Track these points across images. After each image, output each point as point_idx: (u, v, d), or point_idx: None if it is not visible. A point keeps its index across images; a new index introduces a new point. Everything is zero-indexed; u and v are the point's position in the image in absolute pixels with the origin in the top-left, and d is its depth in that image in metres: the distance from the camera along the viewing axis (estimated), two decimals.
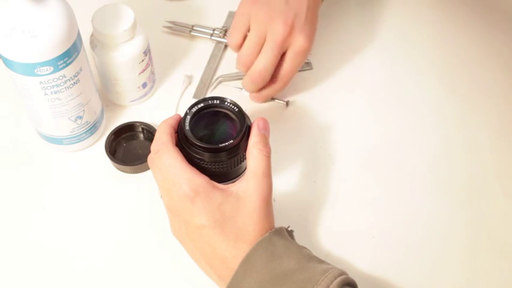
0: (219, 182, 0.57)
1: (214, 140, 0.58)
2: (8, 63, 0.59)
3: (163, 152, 0.56)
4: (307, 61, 0.79)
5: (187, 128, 0.57)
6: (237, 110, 0.58)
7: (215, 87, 0.76)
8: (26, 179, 0.68)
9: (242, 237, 0.53)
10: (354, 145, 0.72)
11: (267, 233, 0.53)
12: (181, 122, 0.58)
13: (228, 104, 0.59)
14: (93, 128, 0.69)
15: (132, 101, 0.73)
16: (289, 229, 0.57)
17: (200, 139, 0.56)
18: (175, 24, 0.81)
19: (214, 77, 0.77)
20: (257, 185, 0.55)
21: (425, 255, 0.64)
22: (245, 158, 0.58)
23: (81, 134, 0.68)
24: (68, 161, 0.69)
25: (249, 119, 0.59)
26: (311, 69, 0.78)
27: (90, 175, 0.69)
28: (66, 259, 0.63)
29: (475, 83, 0.77)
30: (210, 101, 0.59)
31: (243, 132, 0.57)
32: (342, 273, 0.52)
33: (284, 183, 0.68)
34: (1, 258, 0.63)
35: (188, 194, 0.54)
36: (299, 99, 0.75)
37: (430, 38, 0.82)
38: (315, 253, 0.55)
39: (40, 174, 0.69)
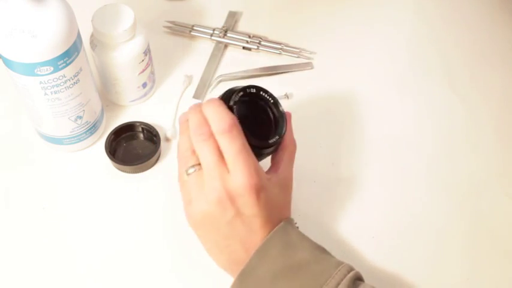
0: None
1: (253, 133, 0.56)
2: (8, 63, 0.59)
3: (238, 133, 0.52)
4: (308, 61, 0.79)
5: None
6: (273, 101, 0.58)
7: (215, 87, 0.76)
8: (26, 179, 0.68)
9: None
10: (354, 145, 0.72)
11: (282, 222, 0.54)
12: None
13: (267, 97, 0.58)
14: (93, 128, 0.69)
15: (132, 101, 0.73)
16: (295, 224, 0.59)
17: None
18: (175, 24, 0.81)
19: (214, 77, 0.77)
20: (291, 177, 0.58)
21: (426, 255, 0.64)
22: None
23: (81, 134, 0.68)
24: (68, 161, 0.69)
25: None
26: (311, 68, 0.78)
27: (90, 175, 0.69)
28: (66, 259, 0.63)
29: (476, 82, 0.77)
30: (251, 90, 0.57)
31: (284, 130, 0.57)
32: (352, 268, 0.53)
33: None
34: (1, 258, 0.63)
35: (256, 185, 0.52)
36: (299, 98, 0.75)
37: (430, 37, 0.82)
38: None
39: (40, 174, 0.69)
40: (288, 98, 0.74)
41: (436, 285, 0.62)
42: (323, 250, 0.55)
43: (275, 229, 0.53)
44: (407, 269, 0.63)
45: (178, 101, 0.74)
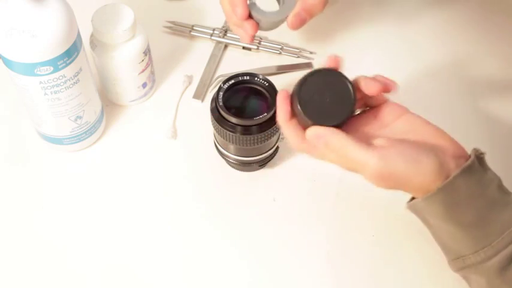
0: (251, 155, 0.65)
1: (246, 115, 0.62)
2: (8, 63, 0.59)
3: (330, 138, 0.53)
4: (308, 61, 0.79)
5: (221, 103, 0.61)
6: (267, 84, 0.63)
7: (215, 87, 0.76)
8: (26, 178, 0.68)
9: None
10: None
11: (452, 177, 0.52)
12: (214, 97, 0.62)
13: (260, 80, 0.62)
14: (93, 128, 0.69)
15: (132, 101, 0.73)
16: (479, 153, 0.55)
17: (233, 113, 0.61)
18: (175, 24, 0.81)
19: (214, 77, 0.77)
20: None
21: (425, 254, 0.64)
22: (274, 134, 0.62)
23: (81, 134, 0.68)
24: (68, 161, 0.69)
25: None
26: (311, 68, 0.78)
27: (90, 175, 0.69)
28: (65, 259, 0.63)
29: (477, 82, 0.77)
30: (240, 77, 0.63)
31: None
32: None
33: (284, 182, 0.68)
34: (1, 258, 0.63)
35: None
36: None
37: (431, 38, 0.82)
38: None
39: (40, 174, 0.69)
40: None
41: (436, 285, 0.62)
42: (493, 205, 0.52)
43: (440, 186, 0.51)
44: (407, 268, 0.63)
45: (178, 101, 0.74)
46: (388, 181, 0.53)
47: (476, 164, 0.53)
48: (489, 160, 0.55)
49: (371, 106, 0.58)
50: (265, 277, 0.62)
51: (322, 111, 0.54)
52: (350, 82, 0.55)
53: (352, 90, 0.55)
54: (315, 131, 0.53)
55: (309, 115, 0.53)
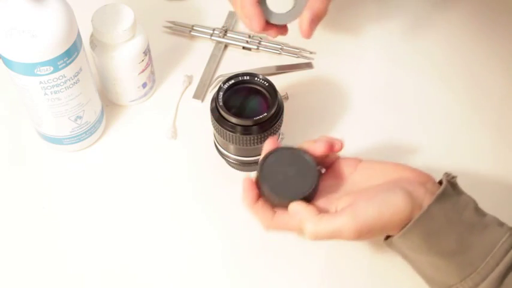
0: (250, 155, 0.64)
1: (246, 115, 0.62)
2: (7, 63, 0.59)
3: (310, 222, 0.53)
4: (308, 61, 0.79)
5: (220, 103, 0.61)
6: (267, 84, 0.63)
7: (215, 87, 0.76)
8: (26, 179, 0.68)
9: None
10: (353, 145, 0.71)
11: (426, 207, 0.51)
12: (214, 97, 0.62)
13: (260, 80, 0.63)
14: (93, 128, 0.69)
15: (132, 101, 0.73)
16: (451, 177, 0.54)
17: (233, 113, 0.61)
18: (175, 24, 0.81)
19: (214, 77, 0.77)
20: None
21: None
22: (274, 134, 0.63)
23: (81, 134, 0.68)
24: (68, 161, 0.69)
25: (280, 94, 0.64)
26: (311, 68, 0.78)
27: (90, 175, 0.69)
28: (66, 259, 0.63)
29: (477, 82, 0.77)
30: (240, 77, 0.63)
31: (276, 107, 0.62)
32: (507, 251, 0.50)
33: None
34: (1, 258, 0.63)
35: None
36: (299, 98, 0.75)
37: (431, 38, 0.82)
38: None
39: (40, 174, 0.69)
40: (288, 98, 0.74)
41: None
42: (472, 229, 0.51)
43: (417, 217, 0.51)
44: (407, 268, 0.63)
45: (178, 101, 0.74)
46: (369, 232, 0.52)
47: (449, 189, 0.53)
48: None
49: (326, 167, 0.58)
50: (265, 277, 0.62)
51: (289, 186, 0.54)
52: (306, 153, 0.56)
53: (311, 160, 0.55)
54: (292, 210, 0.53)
55: (277, 193, 0.54)
